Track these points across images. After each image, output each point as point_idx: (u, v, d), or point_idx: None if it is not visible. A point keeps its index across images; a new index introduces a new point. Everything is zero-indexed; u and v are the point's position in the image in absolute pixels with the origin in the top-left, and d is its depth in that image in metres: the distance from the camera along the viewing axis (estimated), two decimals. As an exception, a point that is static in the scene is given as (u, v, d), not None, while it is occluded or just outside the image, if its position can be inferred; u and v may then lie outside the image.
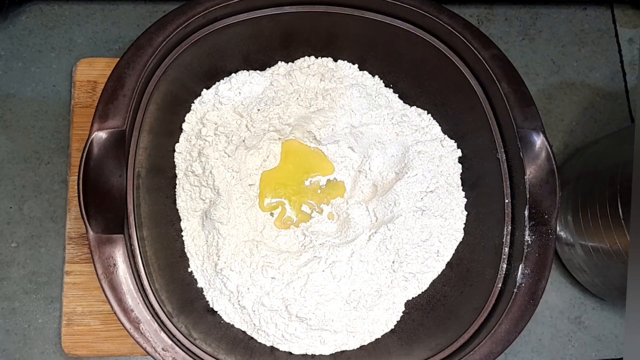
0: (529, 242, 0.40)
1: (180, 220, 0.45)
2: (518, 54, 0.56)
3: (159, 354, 0.37)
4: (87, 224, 0.37)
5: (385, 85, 0.49)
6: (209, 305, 0.44)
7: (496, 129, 0.44)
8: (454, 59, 0.45)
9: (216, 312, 0.44)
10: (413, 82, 0.48)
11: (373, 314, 0.44)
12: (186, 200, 0.45)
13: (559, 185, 0.40)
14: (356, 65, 0.49)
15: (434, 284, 0.46)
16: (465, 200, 0.46)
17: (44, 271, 0.47)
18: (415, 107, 0.49)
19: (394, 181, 0.47)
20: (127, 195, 0.40)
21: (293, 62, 0.48)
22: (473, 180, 0.47)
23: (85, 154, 0.38)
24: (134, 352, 0.46)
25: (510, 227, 0.42)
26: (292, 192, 0.48)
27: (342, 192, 0.49)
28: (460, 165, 0.47)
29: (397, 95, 0.49)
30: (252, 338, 0.44)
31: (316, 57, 0.48)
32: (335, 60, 0.49)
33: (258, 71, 0.48)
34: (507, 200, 0.43)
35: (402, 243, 0.44)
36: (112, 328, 0.46)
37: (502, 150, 0.44)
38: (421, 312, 0.45)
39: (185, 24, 0.42)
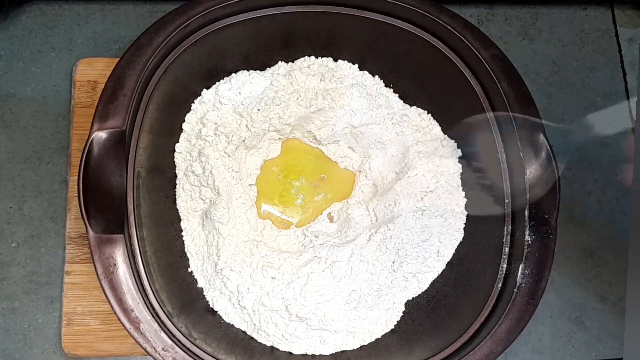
0: (529, 242, 0.40)
1: (180, 220, 0.45)
2: (518, 54, 0.56)
3: (159, 354, 0.37)
4: (87, 224, 0.37)
5: (385, 85, 0.49)
6: (209, 305, 0.44)
7: (496, 129, 0.44)
8: (454, 59, 0.45)
9: (216, 312, 0.44)
10: (413, 82, 0.48)
11: (373, 314, 0.44)
12: (186, 200, 0.45)
13: (559, 185, 0.40)
14: (356, 65, 0.49)
15: (434, 283, 0.46)
16: (466, 200, 0.46)
17: (44, 271, 0.47)
18: (415, 107, 0.49)
19: (394, 181, 0.47)
20: (127, 195, 0.40)
21: (293, 62, 0.48)
22: (473, 181, 0.47)
23: (85, 154, 0.38)
24: (134, 352, 0.46)
25: (510, 227, 0.42)
26: (291, 193, 0.48)
27: (346, 192, 0.49)
28: (460, 165, 0.47)
29: (397, 95, 0.49)
30: (252, 338, 0.44)
31: (316, 57, 0.48)
32: (336, 60, 0.49)
33: (258, 71, 0.48)
34: (507, 200, 0.43)
35: (402, 243, 0.44)
36: (112, 328, 0.46)
37: (502, 150, 0.44)
38: (421, 312, 0.45)
39: (185, 24, 0.42)
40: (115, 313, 0.37)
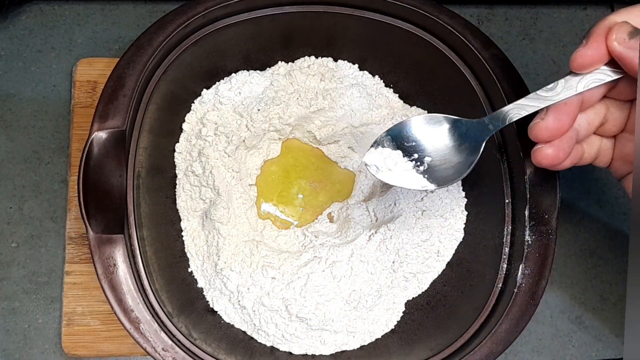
0: (529, 242, 0.40)
1: (180, 220, 0.45)
2: (518, 54, 0.56)
3: (159, 354, 0.37)
4: (87, 224, 0.37)
5: (386, 85, 0.49)
6: (209, 305, 0.44)
7: (496, 129, 0.44)
8: (454, 59, 0.45)
9: (216, 312, 0.44)
10: (413, 82, 0.48)
11: (373, 314, 0.44)
12: (186, 200, 0.45)
13: (559, 185, 0.40)
14: (356, 65, 0.49)
15: (434, 284, 0.46)
16: (466, 200, 0.47)
17: (44, 271, 0.47)
18: (415, 107, 0.49)
19: (394, 181, 0.47)
20: (127, 195, 0.40)
21: (293, 62, 0.48)
22: (473, 180, 0.47)
23: (85, 154, 0.38)
24: (134, 352, 0.46)
25: (510, 227, 0.42)
26: (291, 193, 0.48)
27: (346, 192, 0.49)
28: (460, 165, 0.47)
29: (397, 95, 0.49)
30: (252, 338, 0.44)
31: (316, 57, 0.48)
32: (336, 60, 0.49)
33: (258, 71, 0.48)
34: (507, 200, 0.43)
35: (402, 243, 0.44)
36: (112, 328, 0.46)
37: (502, 150, 0.44)
38: (421, 312, 0.45)
39: (185, 24, 0.42)
40: (115, 313, 0.37)
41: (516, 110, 0.36)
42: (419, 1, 0.44)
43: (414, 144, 0.39)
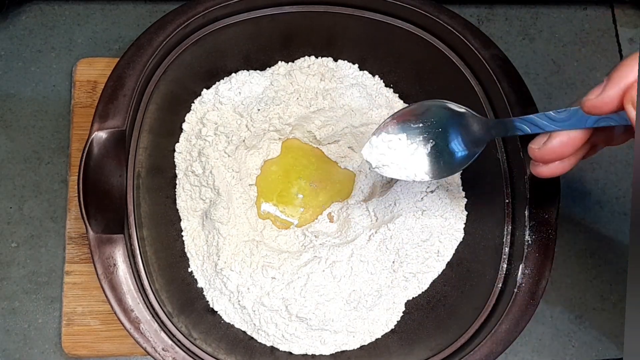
0: (529, 242, 0.40)
1: (180, 220, 0.45)
2: (518, 54, 0.56)
3: (159, 354, 0.37)
4: (87, 224, 0.37)
5: (386, 85, 0.49)
6: (209, 305, 0.44)
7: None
8: (454, 59, 0.45)
9: (216, 312, 0.44)
10: (413, 82, 0.48)
11: (373, 314, 0.44)
12: (186, 200, 0.45)
13: (559, 185, 0.40)
14: (356, 65, 0.49)
15: (434, 284, 0.46)
16: (466, 200, 0.46)
17: (44, 271, 0.47)
18: (415, 107, 0.49)
19: (394, 181, 0.47)
20: (127, 195, 0.40)
21: (293, 62, 0.48)
22: (473, 180, 0.47)
23: (85, 154, 0.38)
24: (134, 352, 0.46)
25: (510, 227, 0.42)
26: (291, 193, 0.48)
27: (346, 192, 0.49)
28: (460, 165, 0.47)
29: (397, 95, 0.49)
30: (252, 338, 0.44)
31: (316, 57, 0.48)
32: (336, 60, 0.49)
33: (258, 71, 0.48)
34: (507, 200, 0.43)
35: (402, 243, 0.44)
36: (112, 328, 0.46)
37: (502, 150, 0.44)
38: (421, 312, 0.45)
39: (185, 24, 0.42)
40: (115, 313, 0.37)
41: (522, 125, 0.34)
42: (419, 1, 0.44)
43: (420, 125, 0.39)
